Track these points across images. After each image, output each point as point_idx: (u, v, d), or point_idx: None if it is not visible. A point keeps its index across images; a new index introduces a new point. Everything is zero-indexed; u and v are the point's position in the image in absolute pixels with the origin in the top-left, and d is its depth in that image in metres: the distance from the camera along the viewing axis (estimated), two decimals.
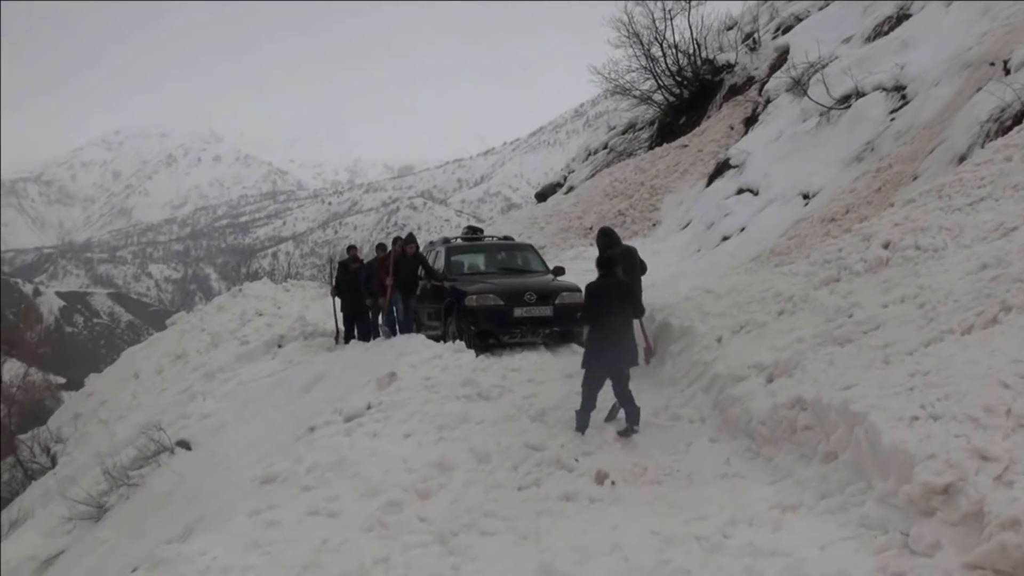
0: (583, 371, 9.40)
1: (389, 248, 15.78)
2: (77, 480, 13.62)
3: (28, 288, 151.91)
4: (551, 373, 11.88)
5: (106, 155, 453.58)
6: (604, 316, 9.26)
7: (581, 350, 13.43)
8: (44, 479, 16.77)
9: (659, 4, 30.84)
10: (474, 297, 13.60)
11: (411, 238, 15.67)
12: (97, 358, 68.08)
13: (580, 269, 18.62)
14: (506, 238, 17.60)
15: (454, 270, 15.26)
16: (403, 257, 15.24)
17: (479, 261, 15.82)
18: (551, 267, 15.44)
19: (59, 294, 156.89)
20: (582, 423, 9.18)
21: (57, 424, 21.24)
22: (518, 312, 13.48)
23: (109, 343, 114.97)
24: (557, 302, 13.62)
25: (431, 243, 17.80)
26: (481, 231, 17.92)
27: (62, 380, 51.05)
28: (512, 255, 16.04)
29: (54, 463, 18.27)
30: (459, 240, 16.63)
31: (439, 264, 15.49)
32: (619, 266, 9.96)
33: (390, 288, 15.27)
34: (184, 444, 12.56)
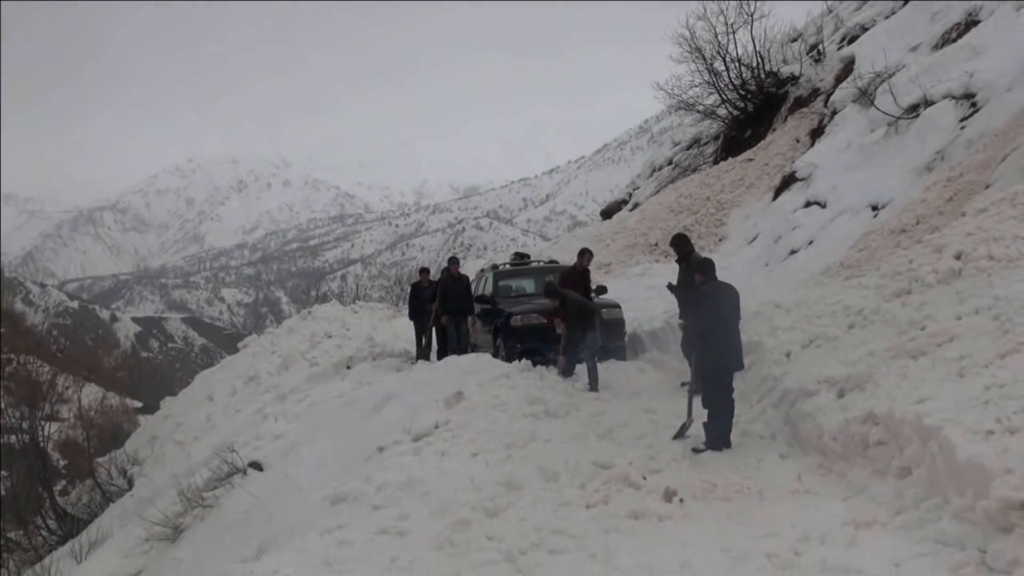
0: (704, 385, 9.37)
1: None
2: (154, 501, 13.83)
3: (105, 314, 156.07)
4: (618, 391, 11.84)
5: (179, 182, 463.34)
6: (722, 320, 9.31)
7: (646, 365, 13.44)
8: (122, 501, 17.05)
9: (721, 18, 30.55)
10: (519, 317, 14.29)
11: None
12: (172, 381, 69.40)
13: (644, 285, 18.58)
14: (551, 262, 18.11)
15: (502, 293, 16.04)
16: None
17: (525, 284, 16.62)
18: (595, 286, 15.68)
19: (135, 320, 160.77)
20: (726, 439, 9.14)
21: (134, 447, 21.61)
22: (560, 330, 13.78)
23: (183, 366, 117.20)
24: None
25: (481, 269, 18.92)
26: (528, 256, 18.62)
27: (138, 404, 52.20)
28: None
29: (131, 485, 18.59)
30: (507, 265, 17.52)
31: (488, 289, 16.39)
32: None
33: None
34: (256, 465, 12.72)
